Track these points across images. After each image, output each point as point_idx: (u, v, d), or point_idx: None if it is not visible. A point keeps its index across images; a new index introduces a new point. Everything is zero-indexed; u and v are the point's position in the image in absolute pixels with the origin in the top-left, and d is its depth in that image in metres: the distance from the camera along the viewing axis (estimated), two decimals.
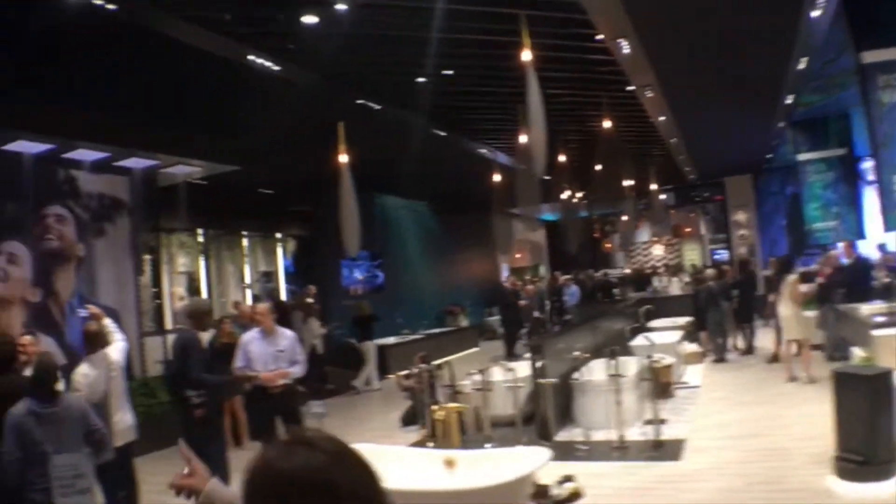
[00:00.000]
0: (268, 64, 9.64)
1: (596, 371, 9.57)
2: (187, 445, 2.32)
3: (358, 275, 18.66)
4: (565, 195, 18.50)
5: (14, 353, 6.22)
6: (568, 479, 6.43)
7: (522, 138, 11.63)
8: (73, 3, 7.93)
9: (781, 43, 11.94)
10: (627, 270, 29.06)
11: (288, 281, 21.14)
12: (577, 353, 9.65)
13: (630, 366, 9.76)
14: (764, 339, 14.76)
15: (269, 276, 20.67)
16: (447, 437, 8.53)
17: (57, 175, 11.00)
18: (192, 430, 6.64)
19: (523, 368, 9.75)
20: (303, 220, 20.30)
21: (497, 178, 15.83)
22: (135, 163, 11.58)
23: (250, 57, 9.45)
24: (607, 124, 13.92)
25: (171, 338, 13.52)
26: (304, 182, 17.37)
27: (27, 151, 10.32)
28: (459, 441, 8.55)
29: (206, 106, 11.03)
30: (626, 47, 10.51)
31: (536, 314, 18.91)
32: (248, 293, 19.35)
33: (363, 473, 1.35)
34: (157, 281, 14.52)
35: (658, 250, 30.77)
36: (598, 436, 8.85)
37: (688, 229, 27.30)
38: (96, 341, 6.63)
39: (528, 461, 5.93)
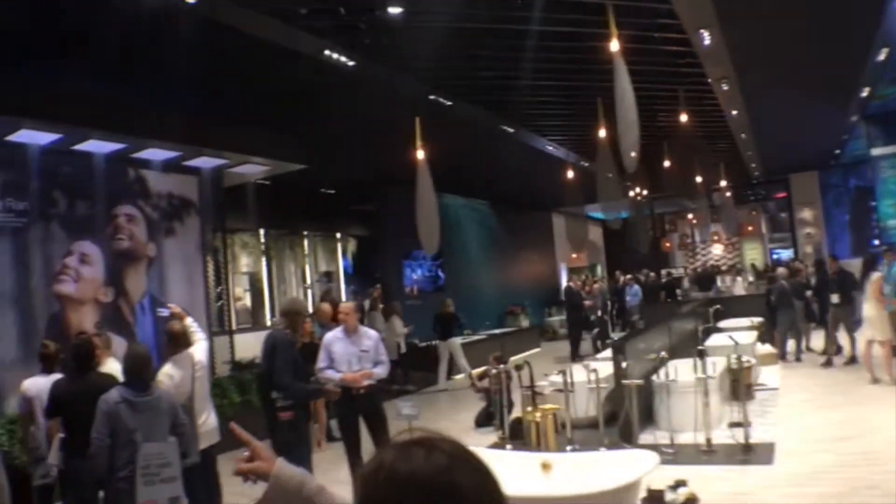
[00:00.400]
0: (343, 59, 9.33)
1: (678, 372, 9.16)
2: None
3: (419, 274, 18.34)
4: (634, 192, 17.99)
5: (92, 352, 6.09)
6: (681, 483, 6.07)
7: (601, 133, 11.25)
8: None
9: (863, 33, 11.45)
10: (687, 270, 28.48)
11: (347, 281, 20.93)
12: (661, 354, 9.28)
13: (713, 366, 9.33)
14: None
15: (330, 276, 20.48)
16: (542, 439, 8.15)
17: (127, 174, 10.87)
18: (278, 432, 6.41)
19: (601, 369, 9.36)
20: (363, 219, 20.04)
21: (570, 174, 15.35)
22: (204, 162, 11.40)
23: (327, 52, 9.16)
24: (682, 118, 13.40)
25: (237, 338, 13.48)
26: (366, 182, 17.18)
27: (98, 151, 10.18)
28: (556, 444, 8.18)
29: (277, 103, 10.84)
30: (706, 38, 10.12)
31: (599, 314, 18.50)
32: (310, 293, 19.19)
33: (485, 476, 1.28)
34: (219, 281, 14.36)
35: (717, 249, 30.08)
36: (683, 438, 8.48)
37: (749, 228, 26.53)
38: (180, 341, 6.51)
39: (636, 465, 5.58)
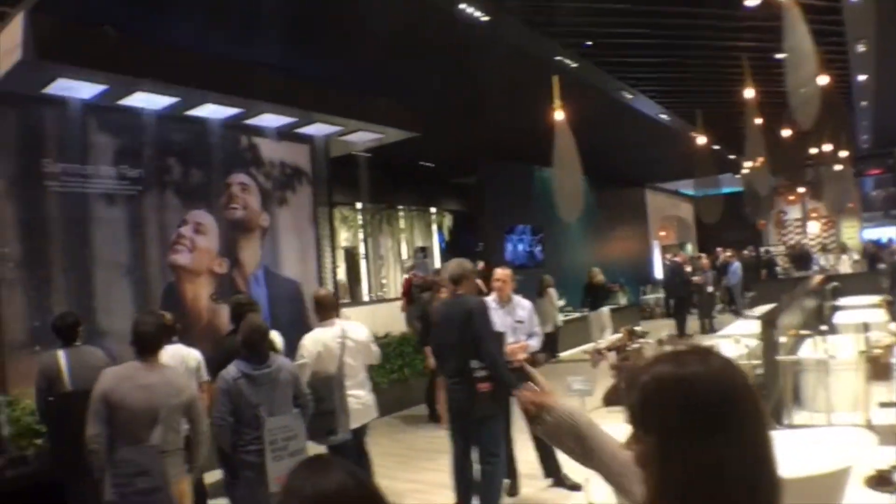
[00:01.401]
0: (476, 13, 8.34)
1: (821, 349, 8.15)
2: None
3: (520, 249, 17.35)
4: (750, 164, 16.58)
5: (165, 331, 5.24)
6: None
7: (749, 92, 10.08)
8: None
9: None
10: (781, 247, 27.04)
11: (442, 257, 20.09)
12: (820, 328, 8.20)
13: (857, 343, 8.33)
14: None
15: (425, 252, 19.67)
16: None
17: (240, 142, 10.13)
18: (476, 404, 5.68)
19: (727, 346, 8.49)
20: (461, 194, 19.16)
21: (702, 140, 14.08)
22: (317, 129, 10.58)
23: (461, 5, 8.17)
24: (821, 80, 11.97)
25: (354, 311, 12.75)
26: (467, 154, 16.23)
27: (213, 117, 9.44)
28: None
29: (395, 66, 9.94)
30: None
31: (710, 290, 17.32)
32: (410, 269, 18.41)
33: (749, 383, 1.32)
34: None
35: (814, 227, 28.42)
36: (837, 419, 7.47)
37: (850, 205, 24.82)
38: (329, 307, 6.25)
39: (849, 446, 4.57)
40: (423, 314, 9.60)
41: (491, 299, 6.63)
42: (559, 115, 8.92)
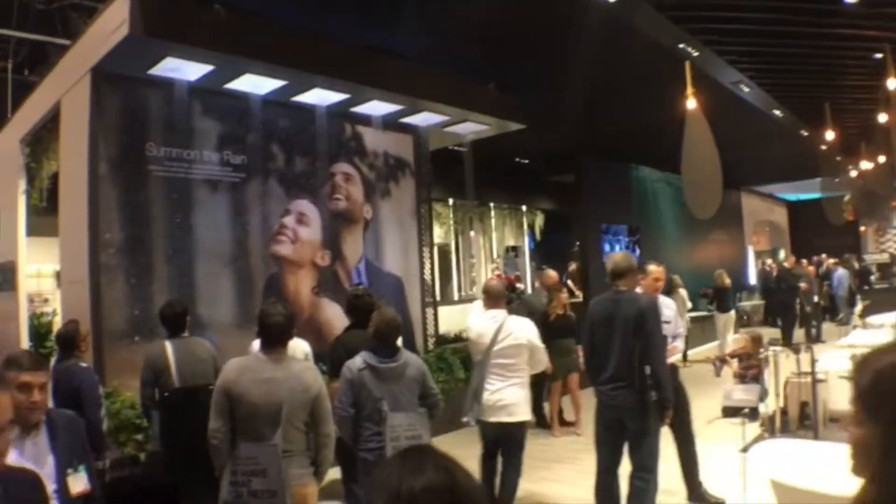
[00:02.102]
0: None
1: None
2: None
3: (617, 249, 16.36)
4: (862, 166, 15.32)
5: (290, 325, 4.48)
6: None
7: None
8: None
9: None
10: (877, 256, 25.39)
11: (532, 257, 19.24)
12: None
13: None
14: None
15: (517, 251, 18.87)
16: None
17: (344, 130, 9.50)
18: (641, 414, 5.07)
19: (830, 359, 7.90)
20: (556, 192, 18.27)
21: (830, 136, 12.92)
22: (423, 119, 9.87)
23: None
24: None
25: (444, 310, 12.07)
26: (563, 151, 15.36)
27: (318, 103, 8.83)
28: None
29: (507, 52, 9.18)
30: None
31: (816, 299, 16.10)
32: (492, 266, 17.65)
33: None
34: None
35: None
36: None
37: None
38: (498, 298, 5.92)
39: None
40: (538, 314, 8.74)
41: None
42: (692, 103, 8.01)
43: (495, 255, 17.85)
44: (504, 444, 5.75)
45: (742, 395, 5.90)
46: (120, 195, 7.16)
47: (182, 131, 7.66)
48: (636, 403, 5.05)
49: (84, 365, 5.16)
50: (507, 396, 5.62)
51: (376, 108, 9.19)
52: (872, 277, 22.35)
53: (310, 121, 8.92)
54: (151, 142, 7.44)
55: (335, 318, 8.97)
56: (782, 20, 9.71)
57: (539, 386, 9.30)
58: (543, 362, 6.00)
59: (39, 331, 9.24)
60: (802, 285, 15.53)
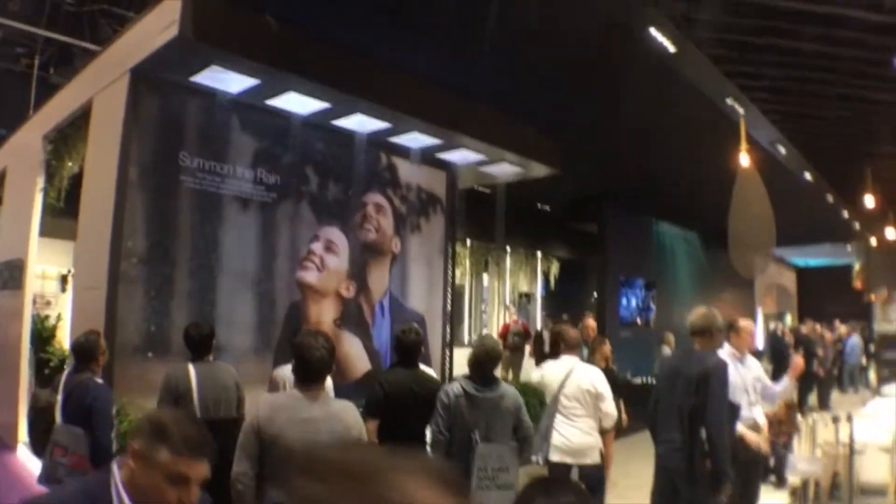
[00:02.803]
0: (665, 42, 7.08)
1: None
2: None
3: (634, 304, 15.83)
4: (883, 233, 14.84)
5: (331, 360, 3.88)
6: None
7: None
8: None
9: None
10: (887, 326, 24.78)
11: (544, 306, 18.68)
12: None
13: None
14: None
15: (529, 298, 18.33)
16: None
17: (380, 160, 9.06)
18: (692, 482, 4.56)
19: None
20: (573, 240, 17.81)
21: (870, 201, 12.48)
22: (460, 156, 9.43)
23: (652, 29, 6.90)
24: None
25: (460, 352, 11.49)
26: (585, 198, 14.92)
27: (358, 129, 8.39)
28: None
29: (543, 92, 8.78)
30: None
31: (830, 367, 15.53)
32: (507, 314, 17.08)
33: None
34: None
35: None
36: None
37: None
38: (572, 347, 5.71)
39: None
40: None
41: (727, 354, 5.37)
42: (745, 159, 7.57)
43: (508, 301, 17.31)
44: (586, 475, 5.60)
45: (807, 465, 5.38)
46: (147, 203, 6.66)
47: (218, 144, 7.20)
48: (688, 469, 4.56)
49: (99, 381, 4.60)
50: (573, 439, 5.43)
51: (415, 139, 8.74)
52: (871, 346, 21.79)
53: (347, 147, 8.47)
54: (185, 151, 6.96)
55: (354, 352, 8.48)
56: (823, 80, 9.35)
57: None
58: (612, 415, 5.64)
59: (42, 334, 8.67)
60: (820, 352, 14.98)
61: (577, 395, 5.51)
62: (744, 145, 7.77)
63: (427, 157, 9.37)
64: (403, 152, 9.12)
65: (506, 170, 10.04)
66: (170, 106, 6.86)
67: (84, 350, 4.62)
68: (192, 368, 4.89)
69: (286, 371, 4.94)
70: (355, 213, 8.66)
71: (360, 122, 8.08)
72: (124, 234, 6.46)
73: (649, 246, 16.86)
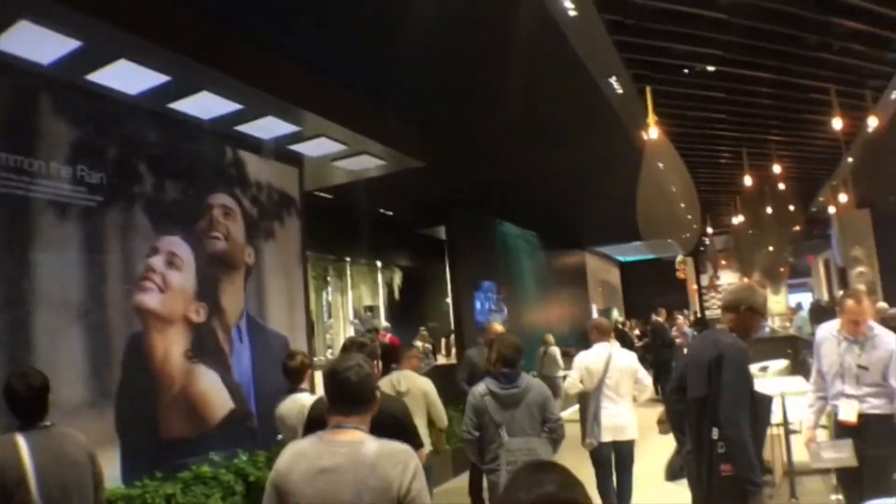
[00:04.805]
0: (567, 4, 6.18)
1: None
2: None
3: (487, 307, 14.99)
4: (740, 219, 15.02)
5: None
6: None
7: None
8: None
9: None
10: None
11: (389, 317, 17.49)
12: None
13: None
14: None
15: (373, 311, 17.10)
16: None
17: (225, 154, 7.56)
18: (714, 489, 3.77)
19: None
20: (417, 247, 16.80)
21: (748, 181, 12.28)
22: (315, 147, 8.13)
23: None
24: (836, 124, 10.32)
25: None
26: (432, 202, 13.95)
27: (202, 115, 6.87)
28: None
29: (407, 74, 7.65)
30: None
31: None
32: (351, 329, 15.78)
33: None
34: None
35: None
36: None
37: (781, 270, 23.84)
38: (603, 333, 6.59)
39: None
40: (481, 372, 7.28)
41: (833, 329, 5.15)
42: (654, 132, 6.87)
43: (352, 316, 16.03)
44: (619, 460, 6.42)
45: (833, 453, 4.66)
46: None
47: (23, 133, 5.46)
48: (702, 477, 3.78)
49: None
50: (622, 417, 6.29)
51: (268, 127, 7.35)
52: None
53: (188, 137, 6.94)
54: None
55: (213, 389, 6.93)
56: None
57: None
58: (648, 387, 6.64)
59: None
60: (678, 341, 14.95)
61: (620, 377, 6.27)
62: (651, 117, 7.03)
63: (278, 151, 7.99)
64: (252, 144, 7.70)
65: (365, 163, 8.87)
66: None
67: None
68: (22, 442, 3.31)
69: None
70: (200, 219, 7.10)
71: (204, 105, 6.59)
72: None
73: (496, 248, 16.19)
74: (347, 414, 2.60)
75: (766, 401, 3.85)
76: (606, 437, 6.22)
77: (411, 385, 6.20)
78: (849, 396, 4.95)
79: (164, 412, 6.36)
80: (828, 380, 5.12)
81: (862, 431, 4.83)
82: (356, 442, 2.55)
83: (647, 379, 6.57)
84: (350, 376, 2.62)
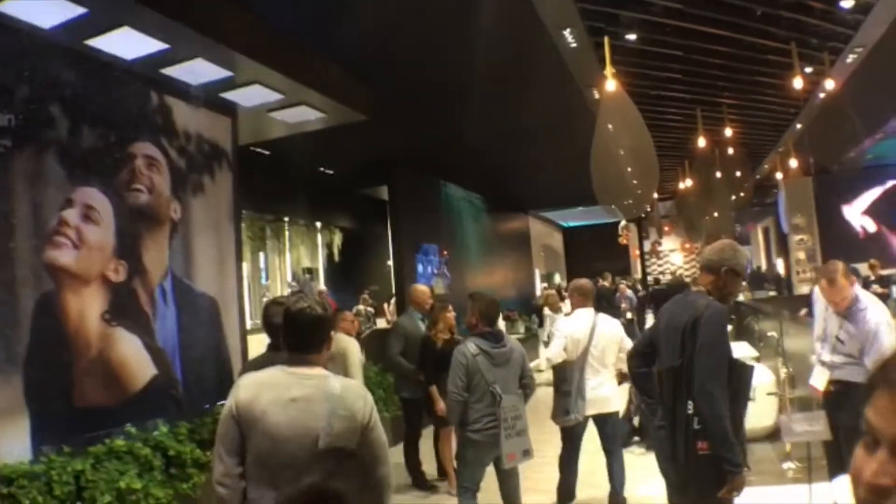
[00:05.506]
0: None
1: None
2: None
3: (429, 270, 14.64)
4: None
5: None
6: None
7: None
8: None
9: None
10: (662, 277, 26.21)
11: (328, 279, 17.01)
12: None
13: None
14: None
15: (312, 274, 16.59)
16: None
17: (150, 99, 6.97)
18: (693, 469, 3.48)
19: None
20: (359, 207, 16.33)
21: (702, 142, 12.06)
22: (249, 95, 7.60)
23: None
24: (797, 83, 10.10)
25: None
26: (374, 162, 13.47)
27: (124, 55, 6.28)
28: None
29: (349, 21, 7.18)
30: None
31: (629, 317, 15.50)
32: (288, 291, 15.27)
33: None
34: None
35: (678, 259, 27.89)
36: None
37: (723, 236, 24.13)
38: (586, 297, 6.24)
39: None
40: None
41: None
42: (611, 84, 6.50)
43: (290, 278, 15.52)
44: (604, 436, 6.10)
45: (806, 425, 4.46)
46: None
47: None
48: (675, 455, 3.49)
49: None
50: (606, 389, 5.97)
51: (197, 71, 6.80)
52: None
53: (108, 78, 6.34)
54: None
55: (134, 354, 6.43)
56: None
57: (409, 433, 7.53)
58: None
59: None
60: (623, 306, 14.88)
61: (606, 346, 5.95)
62: (609, 69, 6.68)
63: (209, 98, 7.44)
64: (180, 90, 7.12)
65: (304, 115, 8.37)
66: None
67: None
68: None
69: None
70: (120, 169, 6.53)
71: (126, 43, 6.02)
72: None
73: (440, 210, 15.80)
74: (306, 351, 2.83)
75: (746, 370, 3.54)
76: (590, 411, 5.91)
77: (336, 346, 5.90)
78: (823, 364, 4.84)
79: (80, 379, 5.85)
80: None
81: (835, 399, 4.69)
82: (321, 376, 2.81)
83: (630, 344, 6.07)
84: (307, 314, 2.84)
